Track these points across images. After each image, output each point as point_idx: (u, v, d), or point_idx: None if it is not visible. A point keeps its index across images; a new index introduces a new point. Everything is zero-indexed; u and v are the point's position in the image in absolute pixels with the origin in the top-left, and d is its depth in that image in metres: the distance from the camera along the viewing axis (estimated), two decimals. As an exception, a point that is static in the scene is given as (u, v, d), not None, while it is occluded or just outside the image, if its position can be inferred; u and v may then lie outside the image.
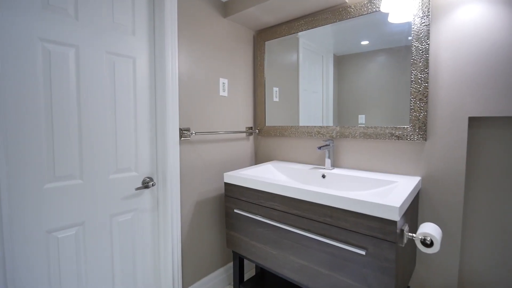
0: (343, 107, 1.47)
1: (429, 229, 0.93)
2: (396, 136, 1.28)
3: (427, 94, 1.19)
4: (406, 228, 0.94)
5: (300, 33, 1.62)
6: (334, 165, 1.52)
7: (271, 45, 1.78)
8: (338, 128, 1.47)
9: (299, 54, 1.63)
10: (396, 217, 0.86)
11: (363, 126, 1.38)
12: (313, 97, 1.59)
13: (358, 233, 0.95)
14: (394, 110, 1.30)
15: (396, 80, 1.28)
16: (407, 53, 1.24)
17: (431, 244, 0.90)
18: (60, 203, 1.05)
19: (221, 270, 1.67)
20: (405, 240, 0.93)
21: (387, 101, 1.32)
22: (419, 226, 1.26)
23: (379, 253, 0.91)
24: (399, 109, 1.28)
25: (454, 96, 1.15)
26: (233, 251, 1.43)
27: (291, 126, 1.68)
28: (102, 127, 1.16)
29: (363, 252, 0.92)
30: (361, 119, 1.40)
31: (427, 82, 1.18)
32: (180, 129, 1.39)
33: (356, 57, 1.41)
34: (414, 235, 0.93)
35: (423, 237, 0.91)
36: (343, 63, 1.45)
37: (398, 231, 0.88)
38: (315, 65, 1.57)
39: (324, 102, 1.53)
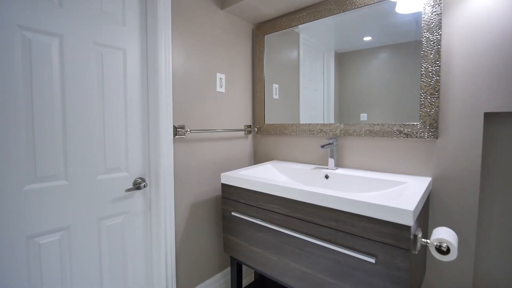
0: (344, 106, 1.40)
1: (444, 234, 0.85)
2: (404, 133, 1.20)
3: (439, 88, 1.11)
4: (419, 233, 0.86)
5: (300, 27, 1.55)
6: (338, 164, 1.45)
7: (270, 40, 1.70)
8: (342, 126, 1.39)
9: (299, 50, 1.56)
10: (410, 221, 0.78)
11: (369, 123, 1.31)
12: (314, 95, 1.52)
13: (367, 239, 0.87)
14: (400, 107, 1.22)
15: (402, 74, 1.21)
16: (416, 45, 1.16)
17: (447, 251, 0.82)
18: (42, 206, 0.97)
19: (218, 276, 1.58)
20: (418, 247, 0.85)
21: (392, 98, 1.24)
22: (429, 230, 1.18)
23: (390, 261, 0.83)
24: (406, 106, 1.20)
25: (468, 90, 1.07)
26: (230, 256, 1.35)
27: (292, 124, 1.60)
28: (89, 124, 1.08)
29: (372, 260, 0.85)
30: (363, 117, 1.34)
31: (438, 76, 1.11)
32: (174, 127, 1.31)
33: (359, 54, 1.33)
34: (428, 241, 0.85)
35: (438, 244, 0.83)
36: (345, 60, 1.38)
37: (411, 236, 0.80)
38: (316, 62, 1.50)
39: (325, 101, 1.47)
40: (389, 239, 0.83)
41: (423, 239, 0.86)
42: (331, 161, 1.37)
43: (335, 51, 1.42)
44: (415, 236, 0.84)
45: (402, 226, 0.80)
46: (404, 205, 0.81)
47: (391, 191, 1.10)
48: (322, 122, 1.49)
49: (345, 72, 1.39)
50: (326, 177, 1.33)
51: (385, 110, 1.27)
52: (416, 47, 1.16)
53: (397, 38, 1.21)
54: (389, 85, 1.25)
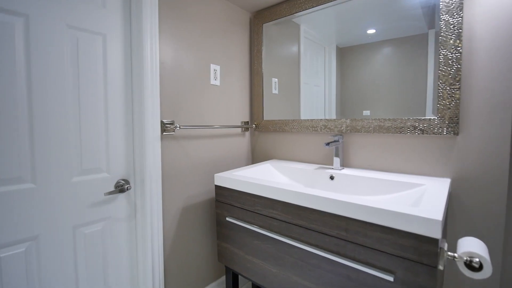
0: (347, 103, 1.29)
1: (474, 247, 0.71)
2: (420, 129, 1.07)
3: (460, 78, 0.97)
4: (445, 246, 0.73)
5: (301, 18, 1.42)
6: (344, 164, 1.31)
7: (269, 30, 1.56)
8: (348, 121, 1.26)
9: (300, 43, 1.43)
10: (437, 233, 0.65)
11: (378, 119, 1.17)
12: (315, 92, 1.40)
13: (383, 252, 0.74)
14: (408, 103, 1.11)
15: (411, 67, 1.08)
16: (430, 33, 1.03)
17: (479, 268, 0.69)
18: (4, 214, 0.83)
19: (213, 285, 1.45)
20: (444, 262, 0.72)
21: (399, 94, 1.12)
22: (448, 240, 1.05)
23: (412, 279, 0.69)
24: (415, 101, 1.09)
25: (494, 79, 0.94)
26: (225, 266, 1.21)
27: (293, 120, 1.47)
28: (62, 119, 0.94)
29: (390, 278, 0.71)
30: (366, 114, 1.23)
31: (459, 64, 0.97)
32: (162, 122, 1.17)
33: (362, 49, 1.23)
34: (456, 255, 0.71)
35: (468, 259, 0.70)
36: (347, 56, 1.27)
37: (438, 251, 0.67)
38: (317, 57, 1.38)
39: (327, 98, 1.35)
40: (411, 254, 0.69)
41: (449, 253, 0.72)
42: (337, 160, 1.23)
43: (337, 46, 1.30)
44: (441, 249, 0.71)
45: (427, 239, 0.66)
46: (430, 213, 0.67)
47: (406, 194, 0.97)
48: (326, 118, 1.35)
49: (347, 68, 1.28)
50: (331, 178, 1.19)
51: (390, 107, 1.15)
52: (431, 35, 1.03)
53: (407, 26, 1.09)
54: (395, 80, 1.14)
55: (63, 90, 0.93)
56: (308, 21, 1.40)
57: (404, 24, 1.10)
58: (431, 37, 1.04)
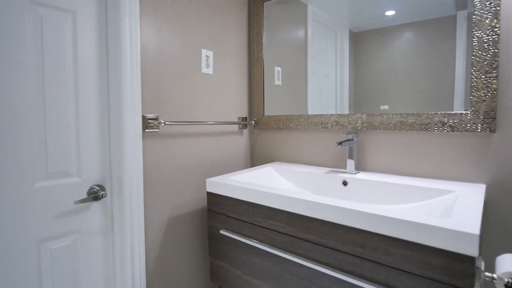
0: (362, 97, 1.28)
1: (517, 266, 0.68)
2: (449, 126, 1.03)
3: (497, 65, 0.94)
4: (482, 265, 0.69)
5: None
6: (359, 167, 1.29)
7: (271, 10, 1.54)
8: (364, 117, 1.23)
9: (307, 26, 1.42)
10: (473, 250, 0.61)
11: (400, 114, 1.14)
12: (325, 83, 1.39)
13: (407, 272, 0.71)
14: (434, 96, 1.09)
15: (439, 51, 1.07)
16: (463, 9, 1.00)
17: (524, 292, 0.66)
18: (-46, 225, 0.80)
19: (204, 309, 1.42)
20: (481, 284, 0.68)
21: (423, 86, 1.12)
22: (483, 256, 1.02)
23: (443, 306, 0.66)
24: (442, 94, 1.08)
25: (539, 66, 0.91)
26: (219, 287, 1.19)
27: (299, 116, 1.44)
28: (23, 113, 0.90)
29: (416, 304, 0.68)
30: (384, 109, 1.22)
31: (497, 48, 0.94)
32: (144, 117, 1.14)
33: (379, 33, 1.21)
34: (494, 276, 0.68)
35: (510, 280, 0.66)
36: (362, 41, 1.26)
37: (474, 270, 0.64)
38: (327, 43, 1.37)
39: (339, 90, 1.35)
40: (441, 274, 0.66)
41: (487, 273, 0.69)
42: (351, 163, 1.21)
43: (350, 30, 1.29)
44: (477, 269, 0.67)
45: (461, 257, 0.63)
46: (464, 226, 0.64)
47: (434, 203, 0.94)
48: (338, 113, 1.33)
49: (363, 55, 1.27)
50: (344, 183, 1.17)
51: (412, 100, 1.15)
52: (460, 16, 1.01)
53: (432, 7, 1.10)
54: (418, 69, 1.14)
55: (23, 79, 0.90)
56: (317, 0, 1.38)
57: (429, 4, 1.08)
58: (460, 19, 1.02)
